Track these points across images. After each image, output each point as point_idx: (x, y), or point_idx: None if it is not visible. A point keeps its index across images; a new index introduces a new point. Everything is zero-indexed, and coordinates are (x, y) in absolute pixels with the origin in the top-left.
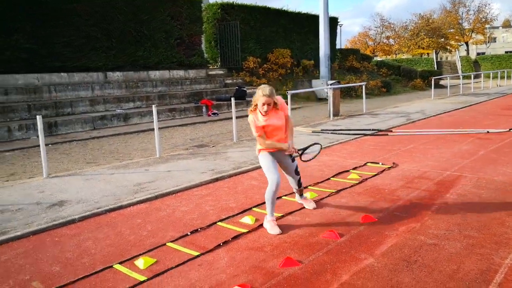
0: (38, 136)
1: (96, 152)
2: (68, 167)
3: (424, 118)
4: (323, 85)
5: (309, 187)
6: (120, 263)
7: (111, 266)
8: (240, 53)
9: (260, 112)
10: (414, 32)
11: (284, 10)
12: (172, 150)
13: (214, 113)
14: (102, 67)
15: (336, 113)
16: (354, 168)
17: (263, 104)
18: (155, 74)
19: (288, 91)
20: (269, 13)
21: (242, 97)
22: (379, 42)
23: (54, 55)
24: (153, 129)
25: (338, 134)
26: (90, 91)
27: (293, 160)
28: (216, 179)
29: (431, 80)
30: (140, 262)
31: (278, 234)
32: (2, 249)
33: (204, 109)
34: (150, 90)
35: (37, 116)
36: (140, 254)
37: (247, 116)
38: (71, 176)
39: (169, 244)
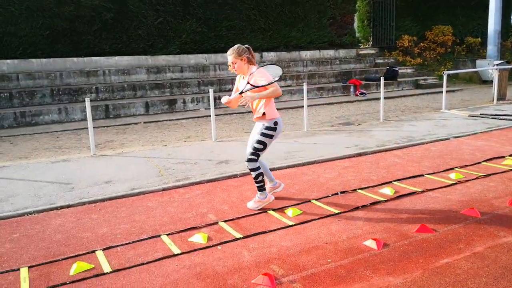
0: (205, 108)
1: (252, 124)
2: (230, 135)
3: None
4: (489, 66)
5: (455, 168)
6: (273, 210)
7: (266, 211)
8: (394, 31)
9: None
10: None
11: None
12: (318, 126)
13: (362, 93)
14: (259, 48)
15: (501, 97)
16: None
17: (228, 65)
18: (306, 54)
19: (445, 71)
20: None
21: (393, 78)
22: None
23: (219, 37)
24: (301, 106)
25: (500, 119)
26: None
27: (261, 134)
28: (359, 154)
29: None
30: (289, 212)
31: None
32: (186, 190)
33: (352, 89)
34: (300, 69)
35: (210, 90)
36: (289, 206)
37: (397, 97)
38: (233, 142)
39: (313, 201)
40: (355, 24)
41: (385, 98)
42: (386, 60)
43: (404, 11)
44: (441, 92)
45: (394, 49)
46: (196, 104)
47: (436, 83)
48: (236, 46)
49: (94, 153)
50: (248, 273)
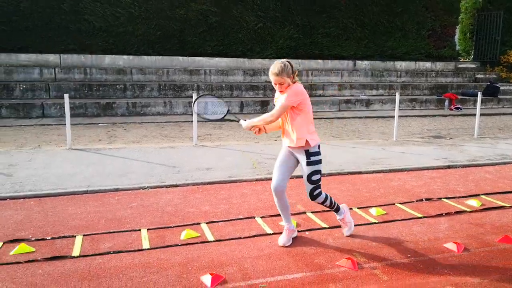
0: None
1: (340, 129)
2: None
3: None
4: None
5: None
6: (358, 208)
7: (351, 208)
8: (499, 46)
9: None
10: None
11: None
12: (407, 137)
13: (457, 108)
14: (353, 56)
15: None
16: None
17: (274, 84)
18: (401, 64)
19: None
20: None
21: (493, 94)
22: None
23: (314, 43)
24: (392, 116)
25: None
26: (339, 77)
27: (309, 163)
28: (448, 167)
29: None
30: (373, 211)
31: (286, 246)
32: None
33: (446, 103)
34: (394, 79)
35: None
36: (373, 206)
37: (496, 114)
38: (322, 145)
39: (397, 204)
40: (456, 37)
41: (482, 115)
42: (487, 75)
43: None
44: None
45: (497, 65)
46: None
47: None
48: (282, 63)
49: (195, 143)
50: (333, 256)
